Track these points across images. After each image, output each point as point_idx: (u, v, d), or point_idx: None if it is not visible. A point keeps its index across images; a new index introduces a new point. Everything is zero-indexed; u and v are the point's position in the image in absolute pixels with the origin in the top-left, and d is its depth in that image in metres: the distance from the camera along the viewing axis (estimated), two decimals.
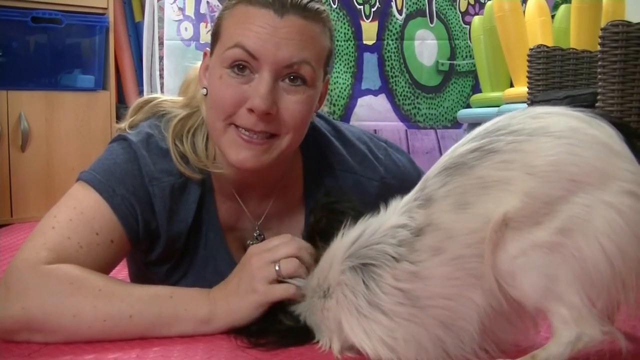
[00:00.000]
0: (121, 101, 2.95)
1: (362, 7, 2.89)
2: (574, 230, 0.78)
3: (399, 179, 1.23)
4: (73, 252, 1.01)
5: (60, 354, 0.93)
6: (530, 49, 2.06)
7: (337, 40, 2.85)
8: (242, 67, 1.05)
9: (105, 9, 2.72)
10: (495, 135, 0.83)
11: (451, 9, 3.09)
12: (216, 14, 1.10)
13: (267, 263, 0.98)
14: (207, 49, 1.14)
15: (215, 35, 1.10)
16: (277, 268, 0.97)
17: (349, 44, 2.87)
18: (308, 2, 1.06)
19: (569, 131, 0.81)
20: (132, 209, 1.06)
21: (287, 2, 1.04)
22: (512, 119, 0.85)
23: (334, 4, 2.84)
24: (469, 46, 3.09)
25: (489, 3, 2.72)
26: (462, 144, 0.86)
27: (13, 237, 2.17)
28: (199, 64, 1.18)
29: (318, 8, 1.08)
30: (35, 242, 1.02)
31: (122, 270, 1.21)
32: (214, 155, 1.14)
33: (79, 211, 1.04)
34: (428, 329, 0.84)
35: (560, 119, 0.83)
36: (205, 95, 1.10)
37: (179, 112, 1.16)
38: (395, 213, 0.89)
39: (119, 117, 2.99)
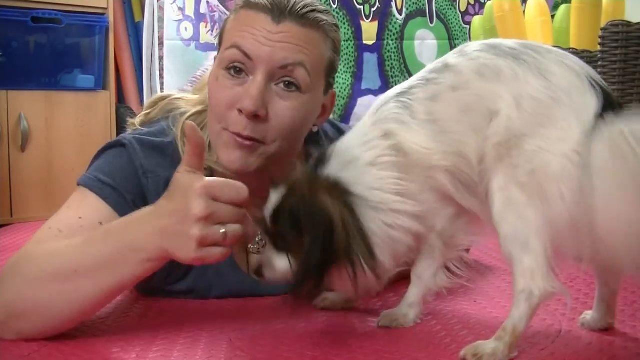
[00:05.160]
0: (121, 101, 2.94)
1: (362, 7, 2.89)
2: (539, 172, 0.89)
3: None
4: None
5: (60, 354, 0.93)
6: None
7: None
8: (238, 69, 1.06)
9: (105, 9, 2.71)
10: (530, 49, 0.97)
11: (451, 9, 3.08)
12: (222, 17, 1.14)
13: (212, 223, 0.86)
14: (217, 54, 1.16)
15: (219, 39, 1.13)
16: (222, 232, 0.86)
17: (349, 44, 2.87)
18: (307, 12, 1.07)
19: (563, 93, 0.92)
20: (124, 200, 1.08)
21: (286, 10, 1.05)
22: (545, 51, 0.98)
23: (334, 4, 2.83)
24: None
25: (489, 3, 2.72)
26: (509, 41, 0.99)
27: (13, 237, 2.16)
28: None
29: (317, 17, 1.08)
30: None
31: None
32: (215, 157, 1.13)
33: (78, 215, 1.05)
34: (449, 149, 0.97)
35: (567, 74, 0.95)
36: None
37: (191, 109, 1.18)
38: None
39: (119, 117, 2.95)
